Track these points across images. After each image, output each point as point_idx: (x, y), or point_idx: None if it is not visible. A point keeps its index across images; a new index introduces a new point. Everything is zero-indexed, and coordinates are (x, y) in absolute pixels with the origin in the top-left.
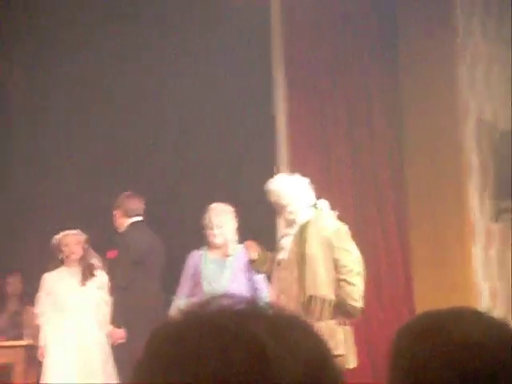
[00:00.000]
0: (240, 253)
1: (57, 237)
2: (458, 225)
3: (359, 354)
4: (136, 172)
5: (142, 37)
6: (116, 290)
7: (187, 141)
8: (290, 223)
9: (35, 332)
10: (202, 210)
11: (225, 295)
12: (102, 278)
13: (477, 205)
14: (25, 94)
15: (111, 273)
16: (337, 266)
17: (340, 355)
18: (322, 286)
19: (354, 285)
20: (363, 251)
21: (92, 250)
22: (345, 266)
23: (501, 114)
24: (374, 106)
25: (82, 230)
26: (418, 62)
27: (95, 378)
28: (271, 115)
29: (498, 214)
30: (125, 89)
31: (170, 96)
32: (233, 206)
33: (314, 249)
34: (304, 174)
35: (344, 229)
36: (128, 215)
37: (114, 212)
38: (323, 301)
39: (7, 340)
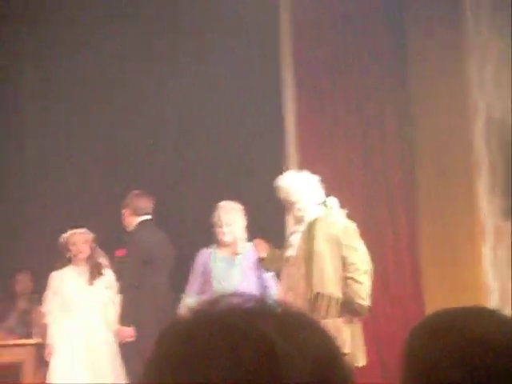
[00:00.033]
0: (249, 251)
1: (64, 235)
2: (467, 224)
3: (368, 353)
4: (136, 172)
5: (141, 37)
6: (125, 288)
7: (187, 141)
8: (299, 220)
9: (44, 331)
10: (201, 210)
11: (234, 293)
12: (109, 277)
13: (486, 204)
14: (25, 94)
15: (119, 271)
16: (344, 263)
17: (345, 354)
18: (329, 284)
19: (361, 283)
20: (372, 250)
21: (99, 249)
22: (352, 264)
23: (510, 114)
24: (384, 107)
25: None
26: (428, 62)
27: (104, 378)
28: (280, 115)
29: (507, 213)
30: (125, 89)
31: (170, 96)
32: (242, 204)
33: (321, 246)
34: (313, 174)
35: (352, 227)
36: (137, 214)
37: (123, 211)
38: (330, 298)
39: (17, 338)
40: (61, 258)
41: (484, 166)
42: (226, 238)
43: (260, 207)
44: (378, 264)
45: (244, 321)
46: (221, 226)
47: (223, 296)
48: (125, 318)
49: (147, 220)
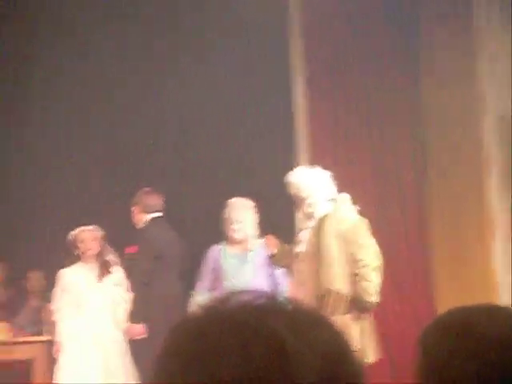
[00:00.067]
0: (260, 248)
1: (73, 233)
2: (478, 223)
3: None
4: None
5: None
6: (136, 285)
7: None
8: (309, 216)
9: (53, 328)
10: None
11: (244, 291)
12: (118, 274)
13: (497, 203)
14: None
15: (129, 269)
16: (353, 260)
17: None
18: (337, 280)
19: (369, 280)
20: (384, 249)
21: (109, 247)
22: (361, 261)
23: None
24: (397, 106)
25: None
26: (439, 61)
27: (112, 376)
28: (290, 112)
29: None
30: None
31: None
32: (253, 201)
33: (330, 242)
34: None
35: (362, 223)
36: (146, 211)
37: (132, 208)
38: (337, 295)
39: (28, 336)
40: (69, 255)
41: (495, 164)
42: (237, 235)
43: (269, 203)
44: (389, 262)
45: (255, 318)
46: (231, 223)
47: (234, 293)
48: (135, 316)
49: (158, 217)
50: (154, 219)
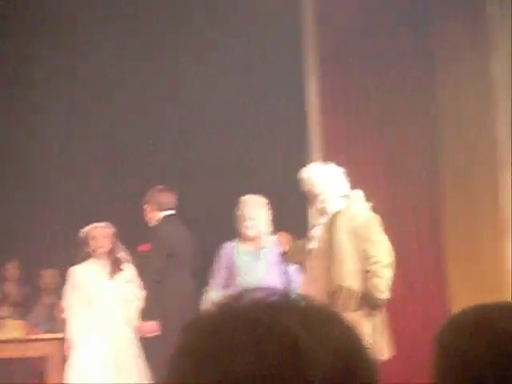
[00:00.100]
0: (273, 245)
1: (84, 230)
2: (492, 223)
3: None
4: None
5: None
6: (149, 283)
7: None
8: (322, 212)
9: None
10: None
11: (258, 288)
12: (130, 271)
13: (511, 202)
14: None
15: (142, 266)
16: (365, 256)
17: None
18: (349, 277)
19: (381, 277)
20: (396, 249)
21: (120, 244)
22: (372, 257)
23: None
24: (410, 105)
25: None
26: (454, 59)
27: (124, 374)
28: (303, 110)
29: None
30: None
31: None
32: (266, 198)
33: (342, 239)
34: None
35: (375, 219)
36: (159, 209)
37: (145, 206)
38: (348, 291)
39: (42, 333)
40: (80, 252)
41: (509, 163)
42: (250, 232)
43: (282, 200)
44: (401, 262)
45: (268, 315)
46: (244, 220)
47: (247, 290)
48: (147, 313)
49: (171, 215)
50: (166, 217)
